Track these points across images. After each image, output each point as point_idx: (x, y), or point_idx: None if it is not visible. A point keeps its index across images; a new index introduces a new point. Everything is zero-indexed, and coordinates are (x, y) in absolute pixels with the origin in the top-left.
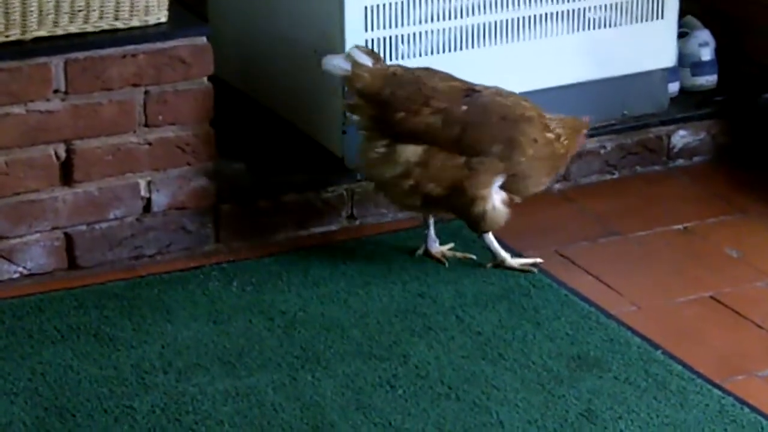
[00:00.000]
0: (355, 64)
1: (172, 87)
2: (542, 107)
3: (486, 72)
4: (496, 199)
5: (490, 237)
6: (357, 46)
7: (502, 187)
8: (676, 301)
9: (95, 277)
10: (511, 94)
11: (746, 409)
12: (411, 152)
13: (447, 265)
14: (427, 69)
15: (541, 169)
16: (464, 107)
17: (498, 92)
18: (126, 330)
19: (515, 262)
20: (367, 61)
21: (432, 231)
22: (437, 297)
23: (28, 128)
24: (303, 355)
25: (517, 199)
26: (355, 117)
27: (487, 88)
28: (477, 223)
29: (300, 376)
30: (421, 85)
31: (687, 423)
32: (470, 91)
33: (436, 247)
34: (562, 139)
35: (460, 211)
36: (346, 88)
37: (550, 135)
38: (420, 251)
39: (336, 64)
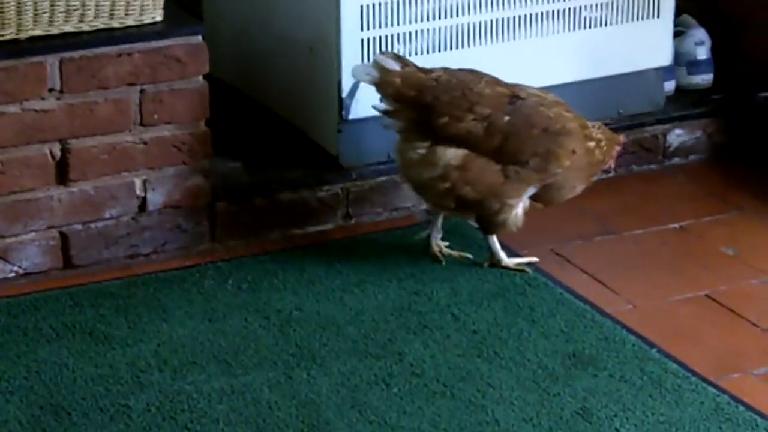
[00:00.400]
0: (383, 70)
1: (167, 86)
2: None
3: (481, 70)
4: (519, 208)
5: (494, 238)
6: (382, 53)
7: (535, 196)
8: (671, 300)
9: (91, 275)
10: (555, 102)
11: (741, 408)
12: (451, 155)
13: (444, 263)
14: (472, 71)
15: (577, 178)
16: (507, 117)
17: (541, 100)
18: (121, 328)
19: (511, 261)
20: (395, 66)
21: (439, 223)
22: (433, 295)
23: (23, 127)
24: (298, 353)
25: (540, 206)
26: (392, 120)
27: (530, 93)
28: (495, 227)
29: (295, 374)
30: (466, 89)
31: (682, 421)
32: (514, 97)
33: (437, 241)
34: (602, 144)
35: (485, 215)
36: (380, 95)
37: (590, 144)
38: (422, 235)
39: (363, 71)
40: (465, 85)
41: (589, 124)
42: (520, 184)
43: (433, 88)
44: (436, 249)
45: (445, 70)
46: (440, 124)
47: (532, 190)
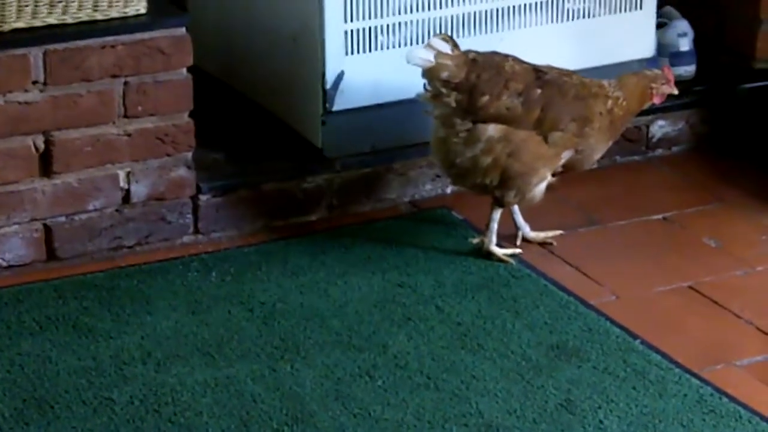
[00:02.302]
0: (438, 53)
1: (151, 77)
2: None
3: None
4: (547, 179)
5: (498, 216)
6: (436, 35)
7: (565, 163)
8: (655, 291)
9: (74, 268)
10: (569, 72)
11: (725, 399)
12: (492, 129)
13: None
14: (495, 52)
15: (602, 139)
16: (539, 90)
17: (560, 72)
18: (105, 321)
19: (498, 251)
20: (447, 49)
21: (520, 217)
22: (417, 287)
23: (6, 119)
24: (282, 346)
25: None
26: (436, 105)
27: (548, 67)
28: (519, 196)
29: (279, 366)
30: (499, 68)
31: (666, 412)
32: (539, 72)
33: (532, 234)
34: (620, 101)
35: (521, 186)
36: (427, 81)
37: (609, 103)
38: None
39: (422, 56)
40: (497, 63)
41: (605, 83)
42: (559, 149)
43: (475, 68)
44: (538, 240)
45: (474, 51)
46: (482, 103)
47: (568, 155)
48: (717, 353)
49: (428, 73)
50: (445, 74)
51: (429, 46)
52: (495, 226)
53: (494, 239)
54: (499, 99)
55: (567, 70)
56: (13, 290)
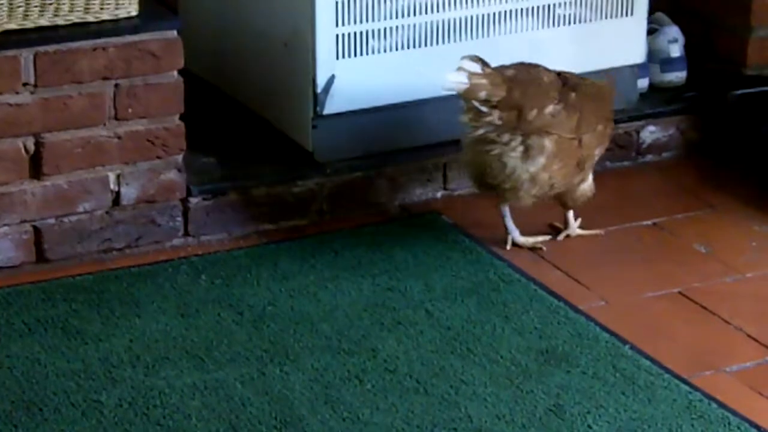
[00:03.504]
0: (470, 75)
1: (142, 80)
2: None
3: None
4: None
5: (507, 211)
6: (464, 56)
7: None
8: (644, 297)
9: (64, 270)
10: (584, 77)
11: (714, 405)
12: (547, 143)
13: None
14: (522, 63)
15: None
16: (573, 95)
17: (579, 78)
18: (94, 323)
19: (527, 240)
20: (478, 68)
21: (510, 221)
22: (406, 291)
23: None
24: (272, 349)
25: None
26: (478, 125)
27: (571, 75)
28: (576, 200)
29: (268, 370)
30: (538, 80)
31: (655, 418)
32: (563, 78)
33: (521, 238)
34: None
35: (572, 190)
36: (463, 102)
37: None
38: (568, 232)
39: (455, 80)
40: (534, 75)
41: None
42: (592, 150)
43: (516, 84)
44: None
45: (507, 66)
46: (531, 117)
47: (599, 152)
48: (706, 359)
49: (465, 95)
50: (482, 94)
51: (460, 68)
52: (509, 221)
53: (516, 232)
54: (545, 109)
55: (583, 77)
56: (2, 292)
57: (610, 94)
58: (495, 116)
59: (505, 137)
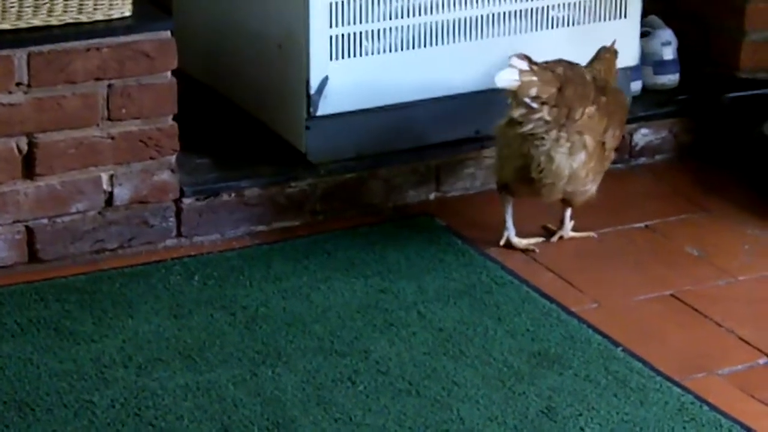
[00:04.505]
0: (521, 72)
1: (135, 81)
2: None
3: (450, 69)
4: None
5: (510, 209)
6: (513, 54)
7: None
8: (637, 299)
9: (56, 270)
10: (607, 78)
11: (705, 407)
12: (588, 140)
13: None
14: (562, 60)
15: None
16: (603, 98)
17: (604, 80)
18: (86, 324)
19: (520, 242)
20: (526, 66)
21: (511, 220)
22: (399, 293)
23: None
24: (264, 351)
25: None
26: (526, 122)
27: (598, 74)
28: (582, 200)
29: (261, 371)
30: (583, 79)
31: (647, 420)
32: (595, 79)
33: (515, 239)
34: None
35: (582, 191)
36: (510, 100)
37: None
38: (561, 234)
39: (508, 77)
40: (581, 74)
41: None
42: (610, 153)
43: (567, 82)
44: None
45: (553, 63)
46: (578, 116)
47: (612, 156)
48: (698, 362)
49: (517, 92)
50: (533, 90)
51: (510, 66)
52: (510, 219)
53: (512, 231)
54: (587, 110)
55: (597, 70)
56: None
57: (625, 100)
58: (545, 112)
59: (553, 133)
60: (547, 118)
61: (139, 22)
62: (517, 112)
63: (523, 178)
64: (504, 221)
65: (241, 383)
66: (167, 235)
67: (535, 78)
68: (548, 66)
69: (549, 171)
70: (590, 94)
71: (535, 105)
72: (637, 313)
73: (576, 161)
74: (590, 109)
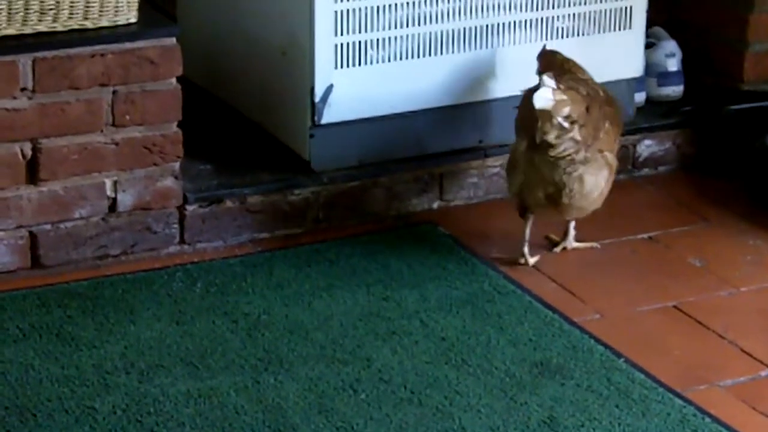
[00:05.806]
0: (554, 91)
1: (139, 87)
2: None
3: (454, 78)
4: None
5: (530, 225)
6: (544, 73)
7: None
8: (639, 310)
9: (59, 276)
10: (603, 87)
11: (707, 419)
12: (609, 157)
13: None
14: (574, 75)
15: None
16: (610, 109)
17: (604, 90)
18: (89, 330)
19: (527, 255)
20: (553, 84)
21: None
22: (401, 301)
23: None
24: (266, 358)
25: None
26: (565, 142)
27: (599, 85)
28: (589, 211)
29: (263, 378)
30: (599, 96)
31: (648, 431)
32: (603, 92)
33: (572, 241)
34: None
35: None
36: (541, 122)
37: None
38: (565, 245)
39: (545, 97)
40: (595, 90)
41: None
42: (612, 166)
43: (591, 101)
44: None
45: (575, 79)
46: (603, 133)
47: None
48: (700, 373)
49: (551, 112)
50: (566, 110)
51: (544, 86)
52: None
53: (527, 249)
54: (605, 126)
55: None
56: None
57: (619, 108)
58: (575, 132)
59: (581, 154)
60: (578, 138)
61: (144, 28)
62: (552, 134)
63: (551, 203)
64: (522, 240)
65: (242, 390)
66: (170, 242)
67: (566, 97)
68: (569, 84)
69: (580, 195)
70: (605, 108)
71: (566, 125)
72: (640, 323)
73: (602, 179)
74: (607, 125)
